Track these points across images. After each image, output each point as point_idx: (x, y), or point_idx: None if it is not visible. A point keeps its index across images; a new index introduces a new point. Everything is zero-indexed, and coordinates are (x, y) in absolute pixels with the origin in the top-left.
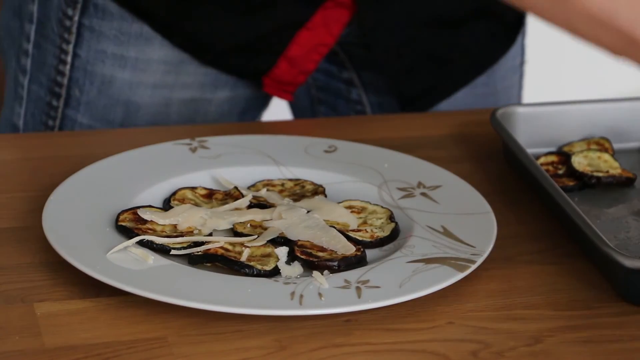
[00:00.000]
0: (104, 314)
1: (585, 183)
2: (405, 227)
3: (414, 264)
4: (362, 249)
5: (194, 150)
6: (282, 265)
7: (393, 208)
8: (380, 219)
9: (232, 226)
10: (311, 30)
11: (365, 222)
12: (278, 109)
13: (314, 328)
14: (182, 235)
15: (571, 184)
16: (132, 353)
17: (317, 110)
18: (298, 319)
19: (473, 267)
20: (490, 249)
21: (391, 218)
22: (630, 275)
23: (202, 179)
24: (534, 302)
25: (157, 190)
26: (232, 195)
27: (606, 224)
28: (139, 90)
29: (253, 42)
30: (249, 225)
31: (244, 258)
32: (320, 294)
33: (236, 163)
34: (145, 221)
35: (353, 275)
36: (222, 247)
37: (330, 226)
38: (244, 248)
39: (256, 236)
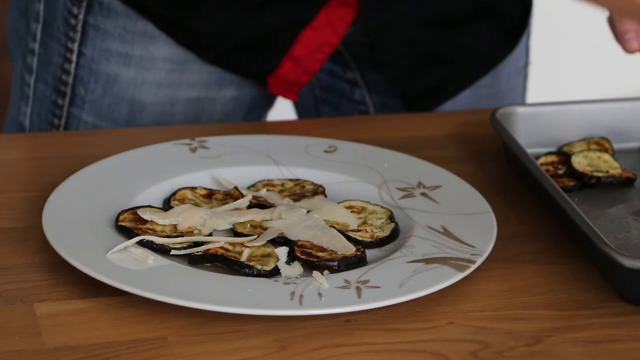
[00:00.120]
0: (104, 314)
1: (585, 183)
2: (405, 227)
3: (414, 264)
4: (362, 249)
5: (194, 150)
6: (282, 265)
7: (393, 208)
8: (380, 219)
9: (232, 226)
10: (316, 30)
11: (365, 222)
12: (282, 109)
13: (314, 328)
14: (182, 235)
15: (571, 184)
16: (132, 353)
17: (321, 110)
18: (298, 319)
19: (473, 267)
20: (490, 249)
21: (391, 218)
22: (630, 275)
23: (202, 179)
24: (534, 302)
25: (157, 190)
26: (232, 195)
27: (606, 224)
28: (143, 89)
29: (257, 41)
30: (249, 225)
31: (244, 258)
32: (320, 294)
33: (236, 163)
34: (145, 221)
35: (353, 275)
36: (222, 247)
37: (330, 226)
38: (244, 248)
39: (256, 236)
